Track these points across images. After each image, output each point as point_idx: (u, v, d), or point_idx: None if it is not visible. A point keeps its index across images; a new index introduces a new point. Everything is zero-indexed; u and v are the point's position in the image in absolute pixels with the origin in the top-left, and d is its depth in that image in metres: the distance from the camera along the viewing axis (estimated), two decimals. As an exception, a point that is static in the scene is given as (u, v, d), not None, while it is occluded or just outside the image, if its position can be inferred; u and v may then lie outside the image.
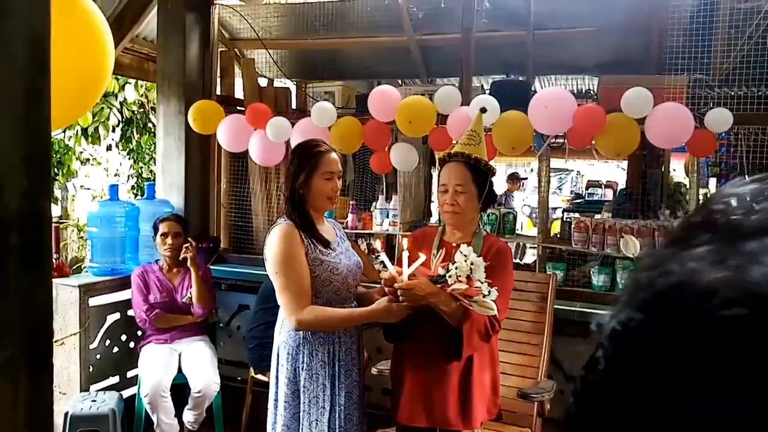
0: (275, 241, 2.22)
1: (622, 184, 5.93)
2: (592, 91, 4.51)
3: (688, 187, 3.84)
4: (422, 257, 2.07)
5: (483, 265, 2.06)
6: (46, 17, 0.67)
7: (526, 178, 9.19)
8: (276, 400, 2.31)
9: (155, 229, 3.55)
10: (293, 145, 3.58)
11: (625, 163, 4.69)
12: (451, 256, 2.13)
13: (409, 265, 2.08)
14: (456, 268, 2.04)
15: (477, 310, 2.03)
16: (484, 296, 2.01)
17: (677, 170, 4.85)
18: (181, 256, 3.47)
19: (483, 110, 2.49)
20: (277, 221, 2.32)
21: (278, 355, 2.32)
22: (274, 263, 2.21)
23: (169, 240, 3.50)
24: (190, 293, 3.47)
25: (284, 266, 2.19)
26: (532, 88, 3.97)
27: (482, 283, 2.03)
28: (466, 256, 2.06)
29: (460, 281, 2.02)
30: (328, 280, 2.26)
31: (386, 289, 2.11)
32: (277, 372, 2.31)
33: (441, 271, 2.08)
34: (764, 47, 3.18)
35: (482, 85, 4.57)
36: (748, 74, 3.23)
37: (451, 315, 2.07)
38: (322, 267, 2.24)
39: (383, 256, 2.19)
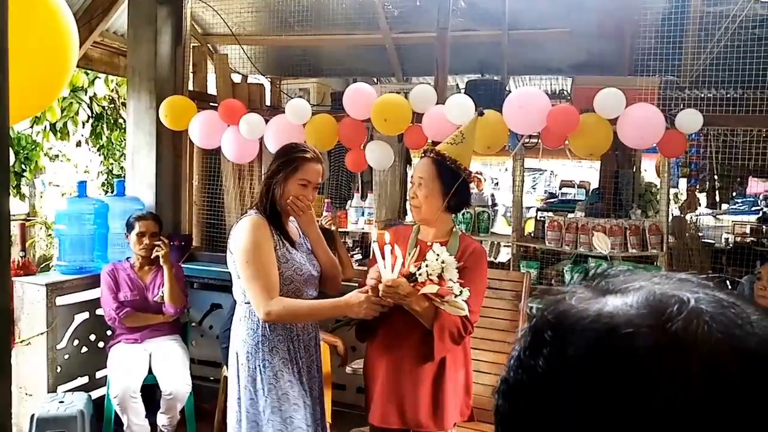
0: (246, 230, 2.18)
1: (594, 184, 6.01)
2: (565, 92, 4.55)
3: (658, 187, 3.90)
4: (399, 258, 2.05)
5: (455, 264, 2.04)
6: (3, 12, 0.65)
7: (483, 176, 9.30)
8: (239, 399, 2.26)
9: (129, 226, 3.47)
10: (266, 142, 3.56)
11: (597, 163, 4.75)
12: (424, 255, 2.12)
13: (388, 259, 2.05)
14: (427, 267, 2.02)
15: (448, 310, 2.02)
16: (455, 296, 2.00)
17: (648, 170, 4.94)
18: (154, 253, 3.40)
19: (480, 113, 2.43)
20: (248, 212, 2.27)
21: (237, 354, 2.27)
22: (245, 252, 2.16)
23: (146, 240, 3.43)
24: (162, 292, 3.41)
25: (255, 256, 2.15)
26: (507, 88, 3.99)
27: (454, 282, 2.02)
28: (437, 254, 2.04)
29: (432, 280, 2.01)
30: (290, 279, 2.23)
31: (369, 283, 2.08)
32: (238, 371, 2.26)
33: (413, 269, 2.06)
34: (733, 50, 3.24)
35: (457, 84, 4.59)
36: (718, 77, 3.29)
37: (423, 315, 2.06)
38: (287, 265, 2.22)
39: (378, 255, 2.09)
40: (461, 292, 2.01)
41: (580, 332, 0.45)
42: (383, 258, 2.06)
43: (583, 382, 0.44)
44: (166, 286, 3.39)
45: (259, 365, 2.21)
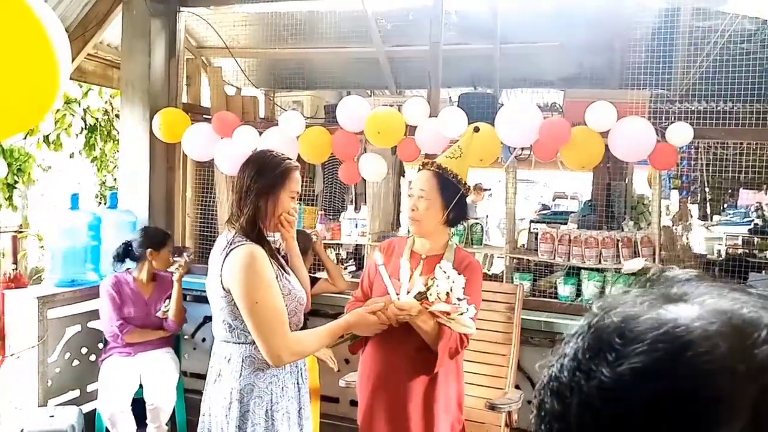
0: (247, 265, 1.88)
1: (587, 195, 6.03)
2: (557, 105, 4.58)
3: (650, 199, 3.92)
4: (419, 283, 2.02)
5: (463, 282, 2.04)
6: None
7: (489, 189, 9.21)
8: None
9: (161, 244, 3.43)
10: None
11: (590, 174, 4.77)
12: (417, 267, 2.12)
13: (394, 284, 2.06)
14: (437, 286, 2.01)
15: (454, 327, 2.01)
16: (462, 314, 2.00)
17: (640, 182, 4.97)
18: (173, 270, 3.40)
19: (476, 129, 2.47)
20: (235, 241, 1.93)
21: (242, 402, 1.95)
22: (250, 294, 1.87)
23: (173, 257, 3.47)
24: (165, 308, 3.42)
25: (265, 296, 1.88)
26: (499, 101, 4.02)
27: (460, 300, 2.02)
28: (445, 272, 2.04)
29: (440, 299, 2.00)
30: (294, 311, 2.02)
31: (382, 306, 2.05)
32: (240, 423, 1.95)
33: (422, 288, 2.06)
34: (722, 64, 3.28)
35: (450, 97, 4.61)
36: (707, 90, 3.32)
37: (429, 333, 2.06)
38: (290, 297, 2.00)
39: (386, 277, 2.06)
40: (468, 309, 2.01)
41: (651, 343, 0.43)
42: (392, 278, 2.06)
43: (653, 396, 0.42)
44: (172, 303, 3.40)
45: (271, 409, 1.98)
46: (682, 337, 0.42)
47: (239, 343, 1.97)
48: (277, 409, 1.99)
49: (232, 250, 1.92)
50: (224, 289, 1.92)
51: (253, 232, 1.96)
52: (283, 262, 2.12)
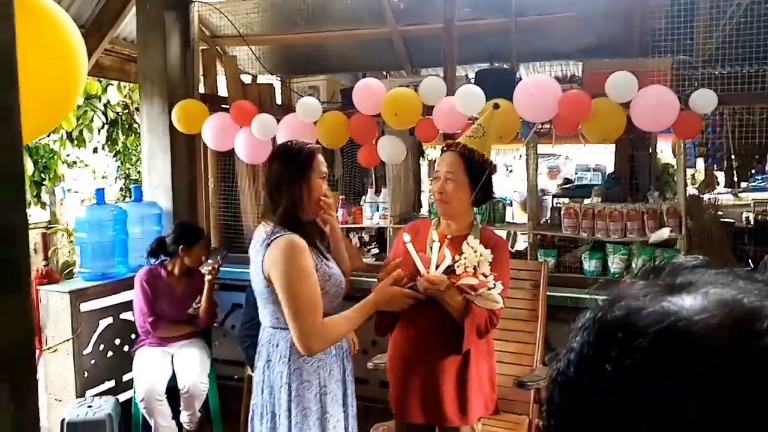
0: (289, 256, 1.94)
1: (610, 168, 5.95)
2: (577, 77, 4.50)
3: (675, 168, 3.85)
4: (448, 256, 2.02)
5: (490, 256, 2.04)
6: (10, 31, 0.66)
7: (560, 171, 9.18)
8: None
9: (191, 240, 3.47)
10: (279, 141, 3.57)
11: (613, 146, 4.69)
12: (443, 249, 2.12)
13: (422, 258, 2.06)
14: (465, 259, 2.01)
15: (481, 303, 2.00)
16: (490, 289, 1.99)
17: (665, 151, 4.88)
18: (204, 270, 3.45)
19: (496, 106, 2.45)
20: (275, 232, 1.99)
21: (291, 386, 2.04)
22: (289, 284, 1.93)
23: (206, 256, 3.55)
24: (197, 305, 3.51)
25: (303, 286, 1.93)
26: (517, 76, 3.96)
27: (487, 276, 2.01)
28: (473, 247, 2.04)
29: (468, 273, 2.01)
30: (335, 296, 2.08)
31: (415, 279, 2.07)
32: (290, 406, 2.04)
33: (449, 262, 2.05)
34: (746, 26, 3.18)
35: (467, 75, 4.56)
36: (731, 54, 3.23)
37: (456, 309, 2.06)
38: (331, 282, 2.06)
39: (414, 253, 2.06)
40: (495, 285, 2.00)
41: (653, 338, 0.43)
42: (419, 252, 2.07)
43: (656, 391, 0.42)
44: (203, 303, 3.48)
45: (318, 393, 2.06)
46: (684, 332, 0.42)
47: (286, 329, 2.03)
48: (326, 392, 2.07)
49: (273, 240, 1.98)
50: (266, 278, 1.99)
51: (292, 221, 2.01)
52: (322, 248, 2.15)
